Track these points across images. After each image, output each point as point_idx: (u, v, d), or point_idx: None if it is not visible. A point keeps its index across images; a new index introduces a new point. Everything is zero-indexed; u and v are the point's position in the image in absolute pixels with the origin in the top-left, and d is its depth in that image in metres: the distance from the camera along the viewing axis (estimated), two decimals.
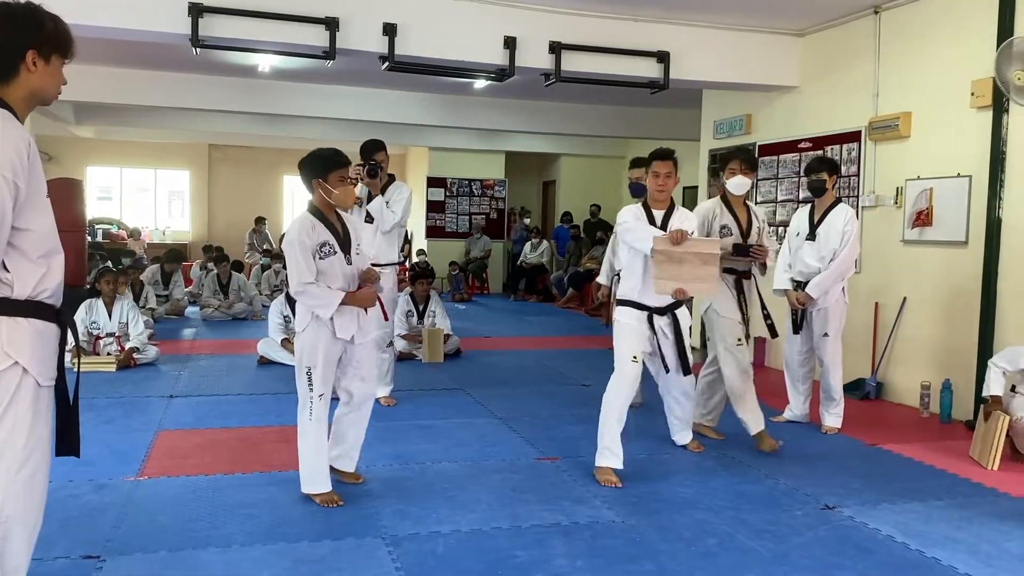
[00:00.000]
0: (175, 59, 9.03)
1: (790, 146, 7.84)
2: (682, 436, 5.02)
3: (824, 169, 5.44)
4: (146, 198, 17.92)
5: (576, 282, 13.24)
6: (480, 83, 9.81)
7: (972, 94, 5.90)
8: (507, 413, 5.81)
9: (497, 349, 8.96)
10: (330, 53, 6.43)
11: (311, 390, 3.82)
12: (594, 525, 3.76)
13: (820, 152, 7.38)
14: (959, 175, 6.07)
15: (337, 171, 3.83)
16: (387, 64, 6.67)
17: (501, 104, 11.89)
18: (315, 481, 3.90)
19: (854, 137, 7.02)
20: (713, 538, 3.63)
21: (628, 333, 4.49)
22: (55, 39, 2.27)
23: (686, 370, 4.67)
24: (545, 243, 14.87)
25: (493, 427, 5.50)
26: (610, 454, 4.38)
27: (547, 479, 4.41)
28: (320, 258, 3.77)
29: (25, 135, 2.17)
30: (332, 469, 4.05)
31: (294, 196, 18.89)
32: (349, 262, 3.87)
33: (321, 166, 3.85)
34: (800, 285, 5.51)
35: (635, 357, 4.44)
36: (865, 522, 3.86)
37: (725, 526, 3.78)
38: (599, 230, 14.31)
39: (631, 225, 4.50)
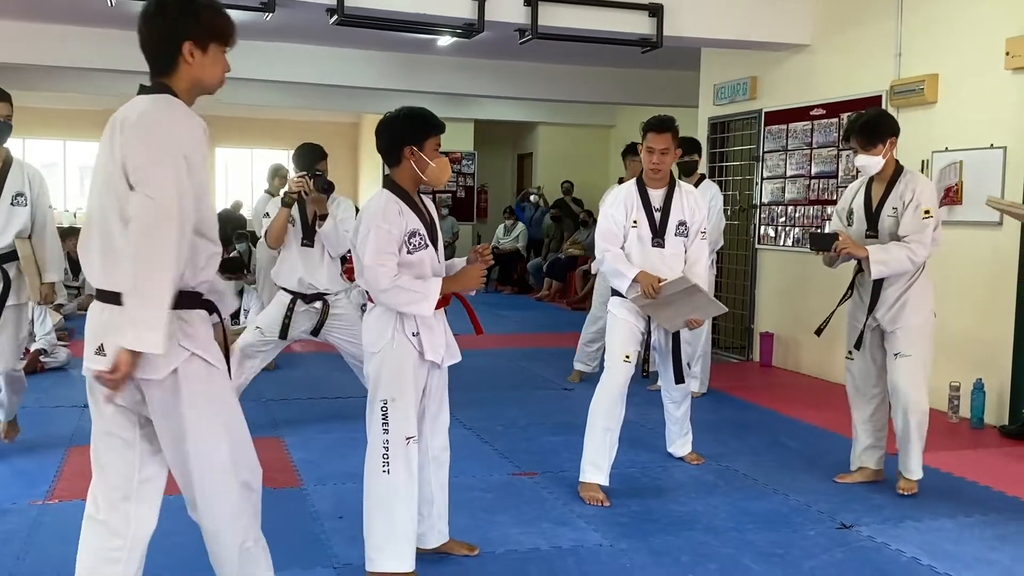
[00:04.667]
0: (86, 11, 8.90)
1: (801, 113, 7.89)
2: (679, 447, 5.06)
3: None
4: (54, 174, 17.67)
5: (557, 271, 13.27)
6: (444, 40, 9.76)
7: (1007, 54, 5.96)
8: (477, 422, 5.82)
9: (466, 348, 8.90)
10: (269, 4, 6.36)
11: (386, 431, 3.33)
12: (578, 550, 3.78)
13: (835, 120, 7.45)
14: (992, 146, 6.14)
15: (435, 137, 3.43)
16: (336, 18, 6.62)
17: (469, 65, 11.84)
18: (396, 555, 3.34)
19: (874, 103, 7.06)
20: (714, 563, 3.66)
21: (622, 329, 4.52)
22: (211, 29, 2.57)
23: (679, 376, 4.71)
24: (520, 226, 14.88)
25: (461, 438, 5.49)
26: (595, 468, 4.40)
27: (524, 497, 4.43)
28: (408, 252, 3.32)
29: (199, 121, 2.53)
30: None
31: (227, 171, 18.76)
32: (440, 259, 3.50)
33: (415, 130, 3.40)
34: None
35: (627, 356, 4.46)
36: (886, 542, 3.91)
37: (727, 549, 3.81)
38: (579, 209, 14.38)
39: (605, 240, 4.56)
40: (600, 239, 4.59)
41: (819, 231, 4.64)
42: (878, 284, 4.49)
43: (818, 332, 4.77)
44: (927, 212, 4.37)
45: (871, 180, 4.58)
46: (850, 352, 4.71)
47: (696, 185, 6.30)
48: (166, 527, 3.88)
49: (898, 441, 4.55)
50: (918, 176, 4.57)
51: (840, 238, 4.45)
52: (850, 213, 4.65)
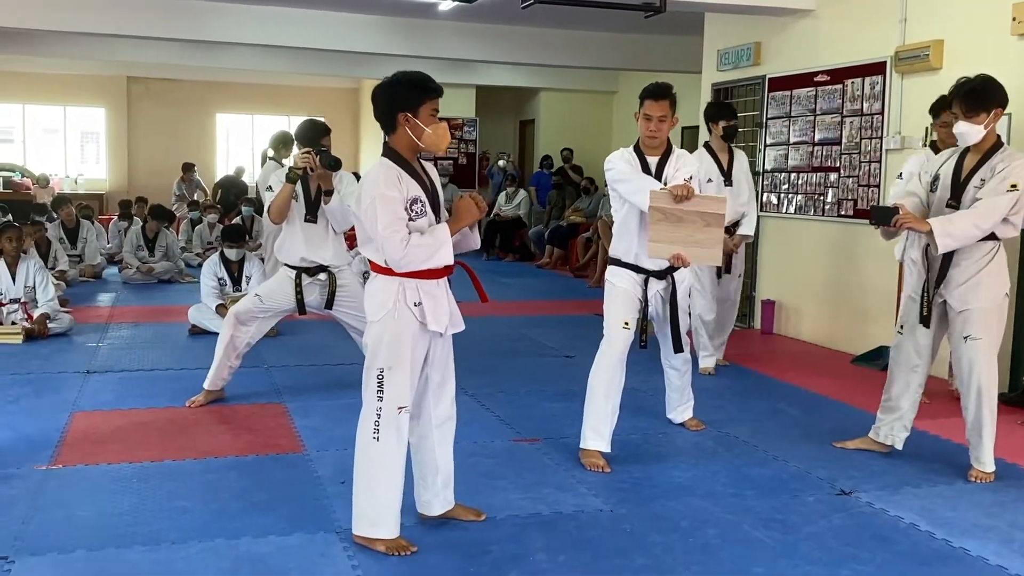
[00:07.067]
0: None
1: (805, 79, 7.83)
2: (679, 413, 5.07)
3: None
4: (54, 140, 17.61)
5: (558, 238, 13.25)
6: (446, 4, 9.69)
7: (1014, 19, 5.91)
8: (479, 389, 5.83)
9: (467, 315, 8.91)
10: None
11: (380, 399, 3.33)
12: (579, 515, 3.80)
13: (839, 86, 7.39)
14: None
15: (431, 102, 3.35)
16: None
17: (471, 30, 11.75)
18: (377, 522, 3.38)
19: (878, 69, 7.01)
20: (713, 528, 3.69)
21: (620, 296, 4.51)
22: None
23: (677, 346, 4.70)
24: (522, 193, 14.83)
25: (463, 405, 5.47)
26: (596, 435, 4.42)
27: (525, 463, 4.45)
28: (411, 219, 3.27)
29: None
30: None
31: (228, 137, 18.68)
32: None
33: (409, 95, 3.32)
34: None
35: (626, 323, 4.47)
36: (885, 508, 3.93)
37: (727, 515, 3.83)
38: (579, 177, 14.35)
39: (623, 173, 4.49)
40: (620, 177, 4.47)
41: (880, 204, 4.36)
42: (946, 260, 4.24)
43: (924, 321, 4.39)
44: (1013, 185, 4.06)
45: (966, 150, 4.27)
46: (901, 327, 4.50)
47: (730, 154, 6.47)
48: (173, 491, 3.94)
49: (969, 431, 4.35)
50: (1017, 153, 4.24)
51: (900, 212, 4.21)
52: (935, 179, 4.35)
